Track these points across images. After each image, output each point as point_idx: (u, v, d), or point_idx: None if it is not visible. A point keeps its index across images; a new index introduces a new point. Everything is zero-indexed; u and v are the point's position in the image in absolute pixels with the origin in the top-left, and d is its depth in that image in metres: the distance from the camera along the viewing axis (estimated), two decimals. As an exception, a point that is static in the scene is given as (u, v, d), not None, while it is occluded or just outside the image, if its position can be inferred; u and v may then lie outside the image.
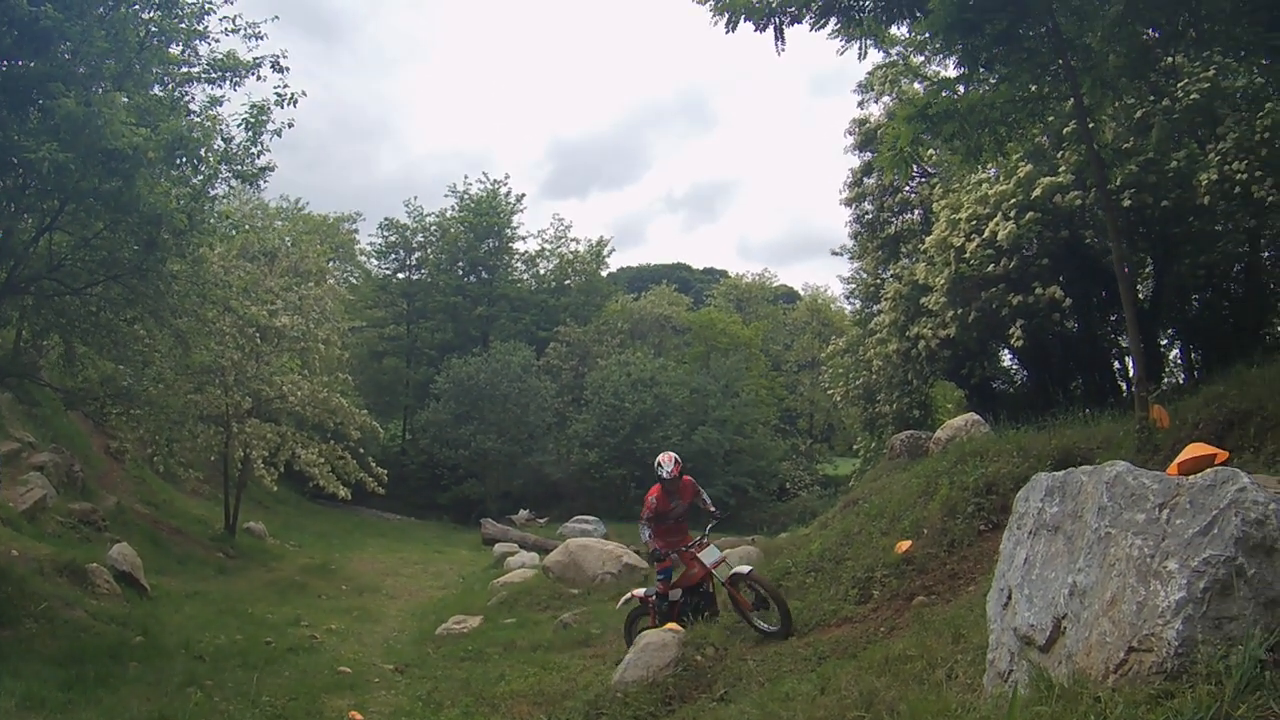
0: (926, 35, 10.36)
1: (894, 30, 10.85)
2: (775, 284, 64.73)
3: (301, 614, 15.05)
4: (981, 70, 10.54)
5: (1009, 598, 4.90)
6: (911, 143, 10.82)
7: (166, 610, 13.75)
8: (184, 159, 11.68)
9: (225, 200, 16.93)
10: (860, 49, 10.48)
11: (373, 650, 13.30)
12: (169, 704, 9.09)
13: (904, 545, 10.20)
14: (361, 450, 23.32)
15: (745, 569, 10.20)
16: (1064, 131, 15.48)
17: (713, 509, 11.07)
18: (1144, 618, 3.75)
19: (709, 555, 10.41)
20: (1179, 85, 14.88)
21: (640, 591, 11.31)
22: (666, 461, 10.81)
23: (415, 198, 77.18)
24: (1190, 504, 3.84)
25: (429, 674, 11.70)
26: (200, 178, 12.19)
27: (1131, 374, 15.73)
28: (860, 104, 27.09)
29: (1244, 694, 3.25)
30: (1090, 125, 10.62)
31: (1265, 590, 3.60)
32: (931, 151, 16.77)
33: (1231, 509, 3.71)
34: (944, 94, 10.71)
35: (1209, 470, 4.02)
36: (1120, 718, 3.43)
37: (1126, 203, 15.29)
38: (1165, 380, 17.57)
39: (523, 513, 33.49)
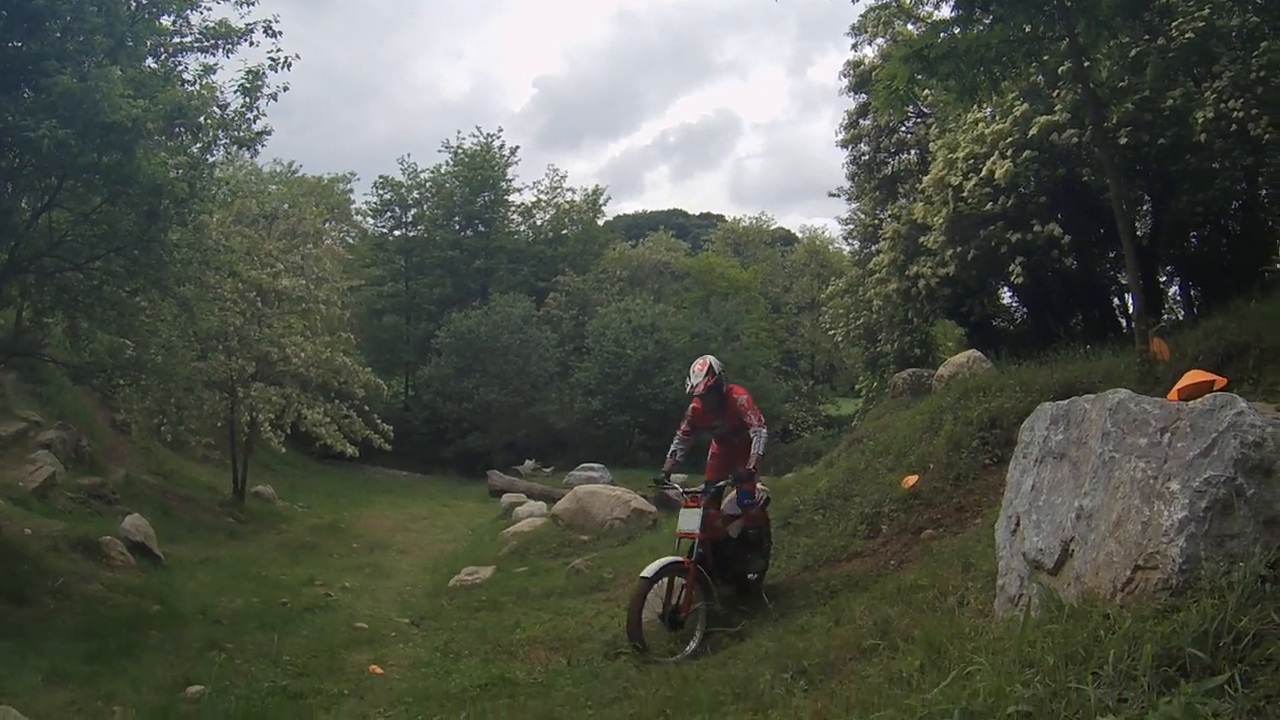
0: (923, -24, 10.41)
1: (888, -29, 10.84)
2: (772, 227, 64.13)
3: (314, 574, 15.05)
4: (976, 10, 10.58)
5: (1017, 524, 5.06)
6: (907, 83, 10.90)
7: (181, 578, 13.77)
8: (183, 128, 11.62)
9: (222, 166, 16.82)
10: (853, -11, 10.50)
11: (387, 605, 13.29)
12: (192, 668, 9.10)
13: (910, 480, 10.38)
14: (366, 408, 23.14)
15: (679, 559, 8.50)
16: (1059, 70, 15.49)
17: (749, 465, 8.74)
18: (1149, 537, 3.89)
19: (687, 521, 8.61)
20: (1173, 24, 14.88)
21: None
22: (696, 370, 8.76)
23: (409, 155, 76.70)
24: (1190, 427, 3.97)
25: (445, 625, 11.61)
26: (199, 145, 12.16)
27: (1131, 310, 15.88)
28: (854, 46, 27.17)
29: (1246, 607, 3.39)
30: (1085, 64, 10.69)
31: (1264, 509, 3.75)
32: (927, 92, 16.80)
33: (1230, 432, 3.85)
34: (941, 36, 10.74)
35: (1208, 396, 4.15)
36: (1129, 632, 3.56)
37: (1123, 140, 15.35)
38: (1165, 317, 17.74)
39: (528, 463, 33.44)
